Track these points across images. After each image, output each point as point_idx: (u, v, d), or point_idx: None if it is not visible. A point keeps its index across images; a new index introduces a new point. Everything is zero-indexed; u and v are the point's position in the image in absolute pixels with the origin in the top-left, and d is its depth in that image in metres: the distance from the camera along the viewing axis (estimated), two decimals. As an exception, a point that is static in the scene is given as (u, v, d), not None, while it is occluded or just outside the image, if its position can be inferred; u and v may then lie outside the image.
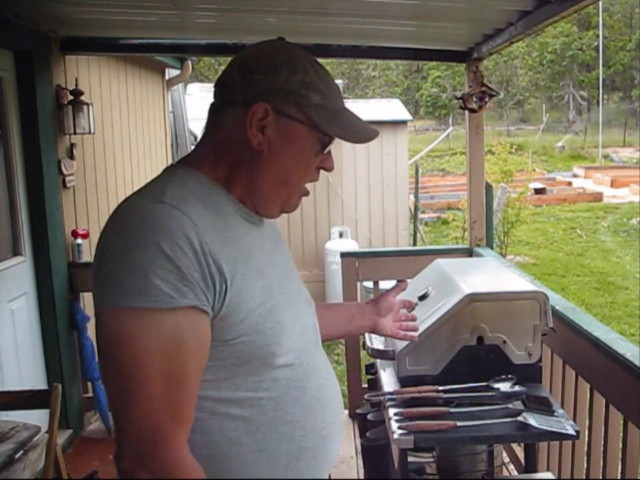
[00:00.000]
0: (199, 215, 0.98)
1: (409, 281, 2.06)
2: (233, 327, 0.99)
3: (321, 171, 1.16)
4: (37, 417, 2.57)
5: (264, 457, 1.04)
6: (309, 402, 1.09)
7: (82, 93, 3.53)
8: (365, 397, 2.11)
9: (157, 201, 0.97)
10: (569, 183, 18.17)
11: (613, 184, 17.30)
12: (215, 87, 1.12)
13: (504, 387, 1.95)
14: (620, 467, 2.02)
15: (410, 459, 2.09)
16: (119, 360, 0.91)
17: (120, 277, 0.91)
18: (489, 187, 6.85)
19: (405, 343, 1.93)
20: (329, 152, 1.13)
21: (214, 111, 1.11)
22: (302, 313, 1.16)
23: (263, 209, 1.13)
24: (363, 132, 1.12)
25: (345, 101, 1.14)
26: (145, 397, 0.90)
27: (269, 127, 1.06)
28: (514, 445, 2.98)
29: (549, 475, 2.18)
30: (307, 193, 1.15)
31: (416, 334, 1.66)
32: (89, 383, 3.73)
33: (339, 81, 12.93)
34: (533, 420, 1.80)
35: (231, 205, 1.08)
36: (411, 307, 1.68)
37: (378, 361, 2.27)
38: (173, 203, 0.97)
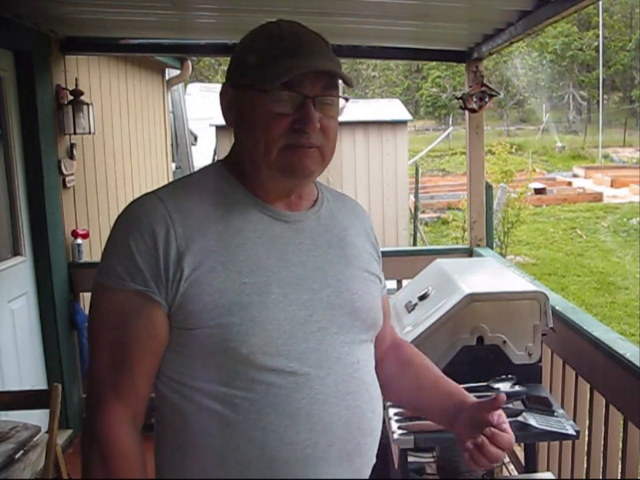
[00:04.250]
0: (186, 206, 1.05)
1: (409, 281, 2.05)
2: (192, 315, 1.00)
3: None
4: (37, 417, 2.56)
5: (233, 457, 1.01)
6: (293, 413, 1.01)
7: (82, 93, 3.52)
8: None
9: (151, 192, 1.09)
10: (569, 183, 18.17)
11: (613, 184, 17.29)
12: None
13: (504, 387, 1.95)
14: (620, 466, 2.02)
15: (410, 458, 2.09)
16: (88, 324, 1.07)
17: (101, 258, 1.07)
18: (489, 187, 6.85)
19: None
20: (303, 110, 1.03)
21: None
22: (320, 321, 1.06)
23: (263, 189, 1.10)
24: (306, 65, 1.03)
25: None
26: (97, 362, 1.04)
27: (235, 103, 1.09)
28: (514, 445, 2.98)
29: (549, 475, 2.17)
30: (301, 143, 1.04)
31: (502, 455, 1.11)
32: (89, 383, 3.72)
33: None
34: (533, 420, 1.80)
35: (249, 197, 1.09)
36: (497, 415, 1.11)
37: (378, 361, 2.27)
38: (161, 194, 1.07)
